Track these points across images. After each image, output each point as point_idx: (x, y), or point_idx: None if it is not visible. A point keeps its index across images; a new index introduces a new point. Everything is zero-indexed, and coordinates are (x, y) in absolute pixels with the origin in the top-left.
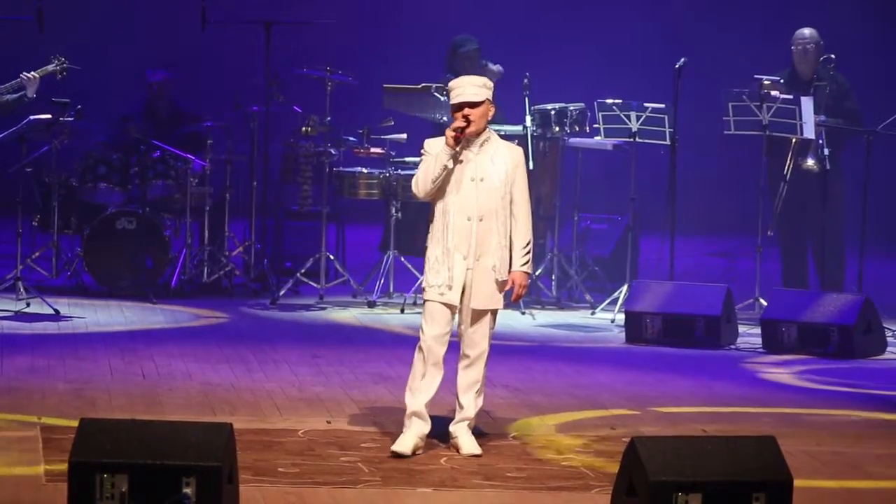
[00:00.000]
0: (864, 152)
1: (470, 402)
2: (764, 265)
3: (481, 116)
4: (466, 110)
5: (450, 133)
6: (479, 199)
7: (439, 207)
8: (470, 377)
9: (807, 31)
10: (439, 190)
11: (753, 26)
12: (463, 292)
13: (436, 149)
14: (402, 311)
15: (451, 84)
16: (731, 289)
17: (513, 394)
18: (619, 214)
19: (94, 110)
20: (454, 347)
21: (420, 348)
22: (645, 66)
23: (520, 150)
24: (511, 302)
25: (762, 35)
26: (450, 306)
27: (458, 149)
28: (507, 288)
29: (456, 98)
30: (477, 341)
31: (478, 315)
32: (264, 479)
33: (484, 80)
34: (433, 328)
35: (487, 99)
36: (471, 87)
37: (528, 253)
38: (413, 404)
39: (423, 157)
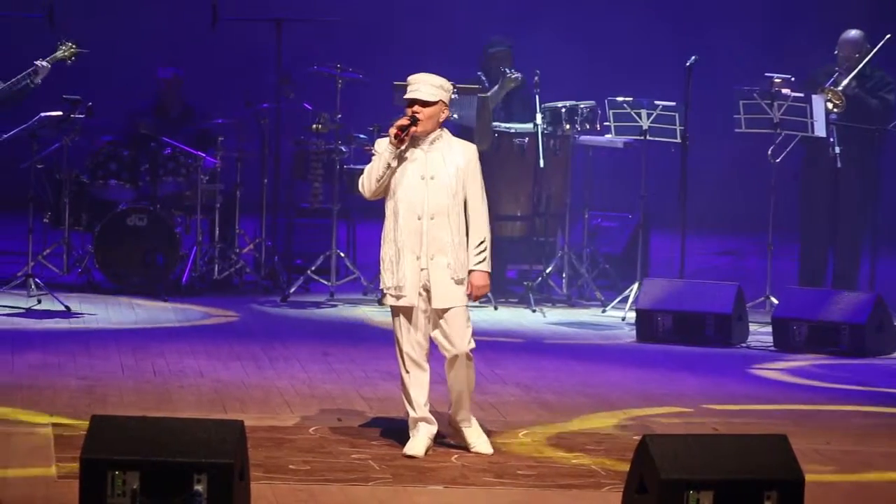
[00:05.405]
0: (876, 150)
1: (464, 408)
2: (775, 263)
3: (430, 117)
4: (416, 107)
5: (392, 131)
6: (430, 198)
7: (390, 207)
8: (458, 383)
9: (853, 35)
10: (389, 189)
11: (763, 24)
12: (429, 294)
13: (384, 147)
14: None
15: (409, 79)
16: (741, 287)
17: (524, 391)
18: (629, 212)
19: (104, 108)
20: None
21: (399, 354)
22: (655, 65)
23: (473, 147)
24: (470, 301)
25: (773, 33)
26: (410, 308)
27: (401, 147)
28: (469, 291)
29: (409, 93)
30: (454, 342)
31: (443, 315)
32: (275, 477)
33: (443, 81)
34: (403, 332)
35: (441, 101)
36: (426, 86)
37: (483, 251)
38: (413, 412)
39: (373, 156)
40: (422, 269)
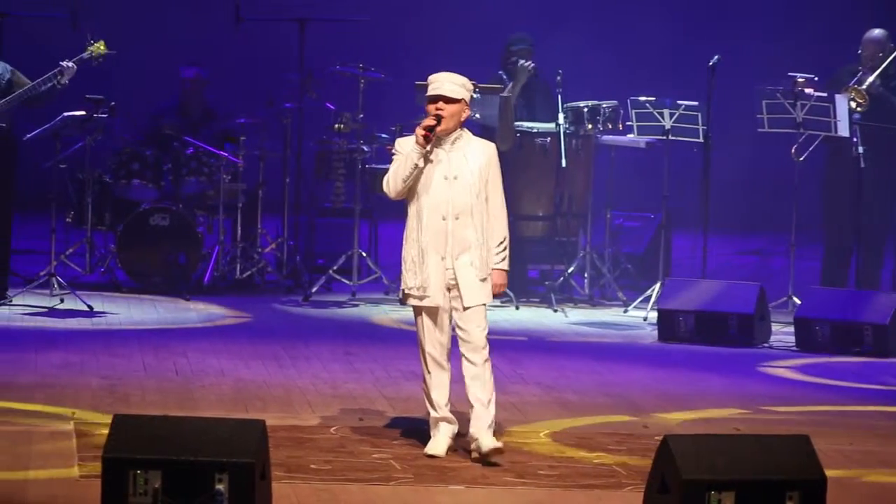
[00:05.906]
0: None
1: (482, 410)
2: (797, 263)
3: (453, 115)
4: (440, 104)
5: (419, 132)
6: (453, 198)
7: (413, 207)
8: (479, 381)
9: (876, 34)
10: (411, 190)
11: (786, 23)
12: (450, 292)
13: (407, 148)
14: None
15: (430, 77)
16: (764, 287)
17: (545, 391)
18: (651, 212)
19: (127, 107)
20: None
21: (421, 354)
22: (678, 64)
23: (493, 145)
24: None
25: (791, 32)
26: (435, 308)
27: (428, 147)
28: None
29: (432, 90)
30: (474, 339)
31: (465, 310)
32: (297, 476)
33: (464, 80)
34: (426, 332)
35: (464, 99)
36: (449, 84)
37: (504, 250)
38: (434, 412)
39: (394, 156)
40: (447, 269)
